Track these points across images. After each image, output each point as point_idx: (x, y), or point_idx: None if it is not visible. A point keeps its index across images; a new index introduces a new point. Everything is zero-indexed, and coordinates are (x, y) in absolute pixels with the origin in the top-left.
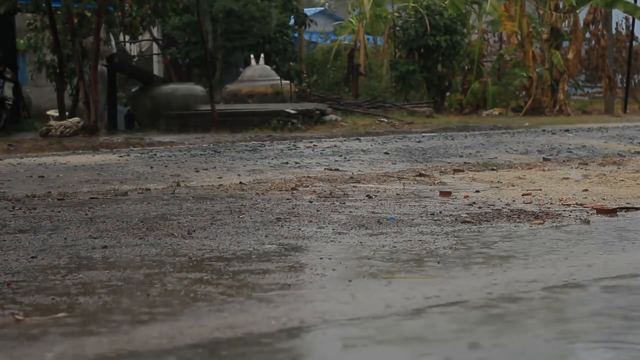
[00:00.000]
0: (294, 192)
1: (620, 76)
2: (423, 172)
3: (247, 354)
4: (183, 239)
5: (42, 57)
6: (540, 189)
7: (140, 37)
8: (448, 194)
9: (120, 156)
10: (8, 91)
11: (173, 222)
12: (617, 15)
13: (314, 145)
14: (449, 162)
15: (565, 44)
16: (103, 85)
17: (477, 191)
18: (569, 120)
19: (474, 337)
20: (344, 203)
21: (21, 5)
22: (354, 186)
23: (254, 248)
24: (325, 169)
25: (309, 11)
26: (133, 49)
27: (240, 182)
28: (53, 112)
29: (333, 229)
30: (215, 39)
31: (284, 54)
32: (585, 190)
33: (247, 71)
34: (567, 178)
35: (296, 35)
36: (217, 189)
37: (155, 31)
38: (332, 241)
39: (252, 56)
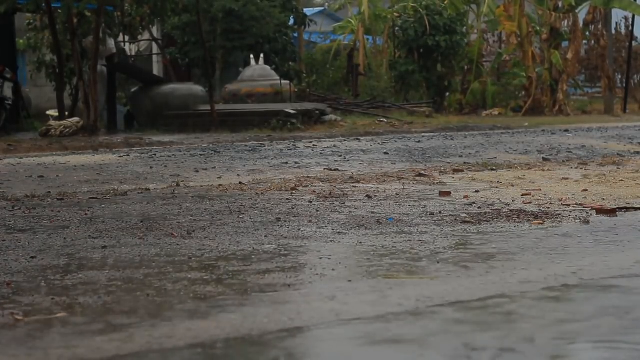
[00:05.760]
0: (293, 192)
1: (619, 76)
2: (423, 172)
3: (247, 354)
4: (183, 239)
5: (42, 57)
6: (540, 189)
7: (139, 37)
8: (448, 194)
9: (120, 156)
10: (8, 91)
11: (173, 222)
12: (617, 15)
13: (314, 145)
14: (449, 162)
15: (565, 44)
16: (103, 85)
17: (477, 191)
18: (568, 120)
19: (474, 337)
20: (344, 203)
21: (21, 5)
22: (353, 186)
23: (253, 248)
24: (324, 169)
25: (308, 11)
26: (132, 48)
27: (240, 182)
28: (53, 112)
29: (333, 229)
30: (214, 38)
31: (284, 54)
32: (585, 190)
33: (247, 71)
34: (567, 178)
35: (296, 35)
36: (216, 189)
37: (154, 31)
38: (331, 241)
39: (251, 56)
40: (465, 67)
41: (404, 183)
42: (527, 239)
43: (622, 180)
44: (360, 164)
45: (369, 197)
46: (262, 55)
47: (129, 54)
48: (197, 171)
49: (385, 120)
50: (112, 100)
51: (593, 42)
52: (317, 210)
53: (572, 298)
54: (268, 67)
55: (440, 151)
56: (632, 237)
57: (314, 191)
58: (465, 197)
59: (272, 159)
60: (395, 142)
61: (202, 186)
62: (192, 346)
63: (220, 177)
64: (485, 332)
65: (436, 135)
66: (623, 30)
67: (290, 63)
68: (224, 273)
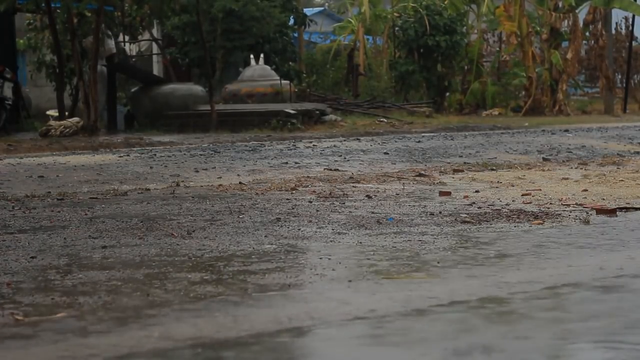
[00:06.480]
0: (293, 192)
1: (619, 76)
2: (423, 172)
3: (247, 354)
4: (183, 239)
5: (42, 57)
6: (540, 189)
7: (139, 37)
8: (448, 194)
9: (120, 156)
10: (8, 91)
11: (173, 222)
12: (617, 15)
13: (314, 145)
14: (449, 162)
15: (565, 44)
16: (103, 85)
17: (477, 191)
18: (568, 120)
19: (474, 337)
20: (344, 203)
21: (21, 5)
22: (353, 186)
23: (253, 248)
24: (324, 169)
25: (308, 11)
26: (132, 48)
27: (240, 182)
28: (53, 112)
29: (333, 229)
30: (214, 38)
31: (284, 54)
32: (585, 190)
33: (247, 71)
34: (567, 178)
35: (296, 35)
36: (216, 189)
37: (155, 31)
38: (331, 241)
39: (251, 56)
40: (465, 67)
41: (404, 183)
42: (527, 239)
43: (622, 180)
44: (360, 164)
45: (369, 197)
46: (262, 55)
47: (129, 54)
48: (197, 171)
49: (385, 120)
50: (112, 100)
51: (593, 42)
52: (317, 210)
53: (573, 298)
54: (268, 67)
55: (440, 151)
56: (632, 237)
57: (314, 191)
58: (465, 197)
59: (272, 159)
60: (395, 142)
61: (202, 186)
62: (192, 346)
63: (220, 177)
64: (486, 332)
65: (436, 135)
66: (623, 30)
67: (290, 63)
68: (224, 273)
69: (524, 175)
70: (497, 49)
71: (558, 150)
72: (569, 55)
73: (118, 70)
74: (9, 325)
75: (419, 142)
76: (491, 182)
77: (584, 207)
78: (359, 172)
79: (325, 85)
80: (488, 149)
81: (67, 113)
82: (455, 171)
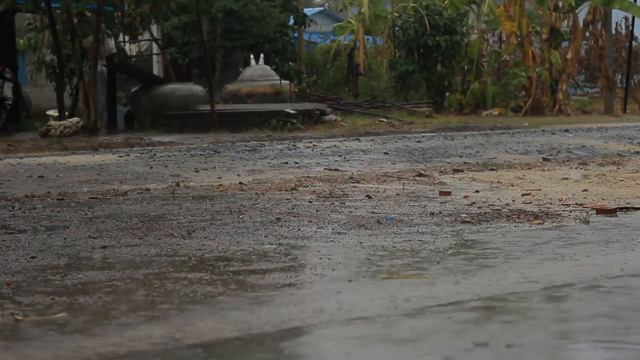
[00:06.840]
0: (293, 192)
1: (619, 76)
2: (423, 172)
3: (247, 354)
4: (183, 239)
5: (42, 57)
6: (540, 189)
7: (139, 37)
8: (448, 194)
9: (120, 156)
10: (8, 91)
11: (173, 222)
12: (617, 15)
13: (314, 145)
14: (449, 162)
15: (565, 44)
16: (103, 85)
17: (477, 191)
18: (568, 120)
19: (473, 337)
20: (344, 203)
21: (20, 5)
22: (353, 186)
23: (253, 248)
24: (325, 169)
25: (308, 11)
26: (132, 48)
27: (240, 182)
28: (53, 112)
29: (333, 229)
30: (214, 38)
31: (284, 54)
32: (585, 190)
33: (247, 71)
34: (567, 178)
35: (296, 35)
36: (216, 189)
37: (155, 31)
38: (331, 241)
39: (251, 56)
40: (465, 67)
41: (404, 183)
42: (527, 239)
43: (622, 180)
44: (360, 164)
45: (369, 197)
46: (262, 55)
47: (129, 54)
48: (197, 171)
49: (385, 120)
50: (112, 100)
51: (593, 42)
52: (317, 210)
53: (573, 298)
54: (268, 67)
55: (440, 151)
56: (633, 237)
57: (314, 191)
58: (466, 197)
59: (272, 159)
60: (395, 142)
61: (202, 186)
62: (192, 346)
63: (220, 177)
64: (486, 332)
65: (436, 135)
66: (623, 30)
67: (290, 63)
68: (223, 273)
69: (524, 175)
70: (497, 49)
71: (558, 150)
72: (569, 55)
73: (118, 70)
74: (9, 325)
75: (419, 142)
76: (491, 182)
77: (584, 207)
78: (359, 172)
79: (325, 85)
80: (488, 149)
81: (67, 113)
82: (455, 171)
